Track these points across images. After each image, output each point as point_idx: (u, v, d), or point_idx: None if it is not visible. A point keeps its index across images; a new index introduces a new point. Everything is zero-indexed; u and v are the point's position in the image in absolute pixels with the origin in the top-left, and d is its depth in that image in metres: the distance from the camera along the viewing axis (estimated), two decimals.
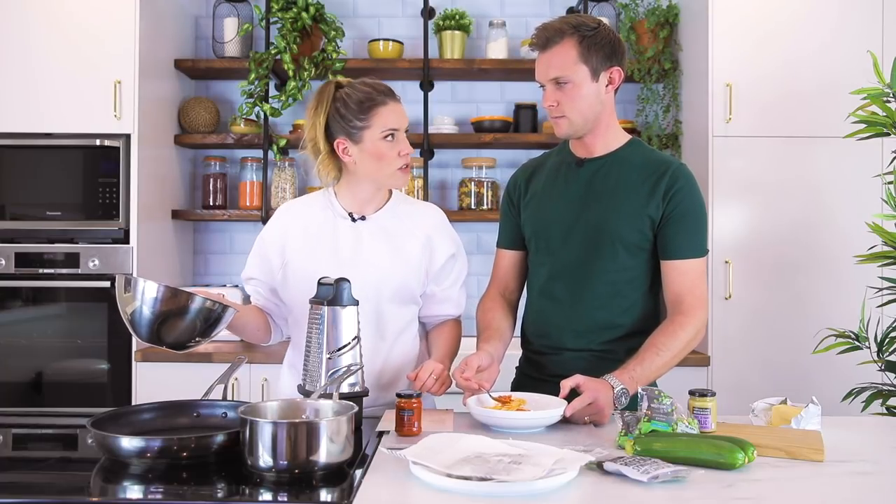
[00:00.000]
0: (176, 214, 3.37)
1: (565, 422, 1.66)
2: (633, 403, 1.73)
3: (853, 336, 2.52)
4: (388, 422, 1.66)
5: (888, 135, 2.47)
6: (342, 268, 1.82)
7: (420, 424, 1.60)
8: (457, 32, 3.43)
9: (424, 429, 1.61)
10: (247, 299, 2.07)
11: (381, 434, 1.61)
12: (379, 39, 3.47)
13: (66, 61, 3.00)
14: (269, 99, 3.38)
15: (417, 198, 3.39)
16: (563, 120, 1.86)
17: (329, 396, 1.51)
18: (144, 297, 1.59)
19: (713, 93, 2.97)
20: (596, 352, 1.89)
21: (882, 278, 2.63)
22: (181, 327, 1.62)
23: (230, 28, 3.46)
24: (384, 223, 1.93)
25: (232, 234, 3.63)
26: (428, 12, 3.46)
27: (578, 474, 1.30)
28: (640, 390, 1.58)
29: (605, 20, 1.92)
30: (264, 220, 3.26)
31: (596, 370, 1.73)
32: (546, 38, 1.84)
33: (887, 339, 2.49)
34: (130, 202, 3.02)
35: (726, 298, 2.95)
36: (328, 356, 1.67)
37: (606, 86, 1.86)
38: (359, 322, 1.71)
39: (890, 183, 2.53)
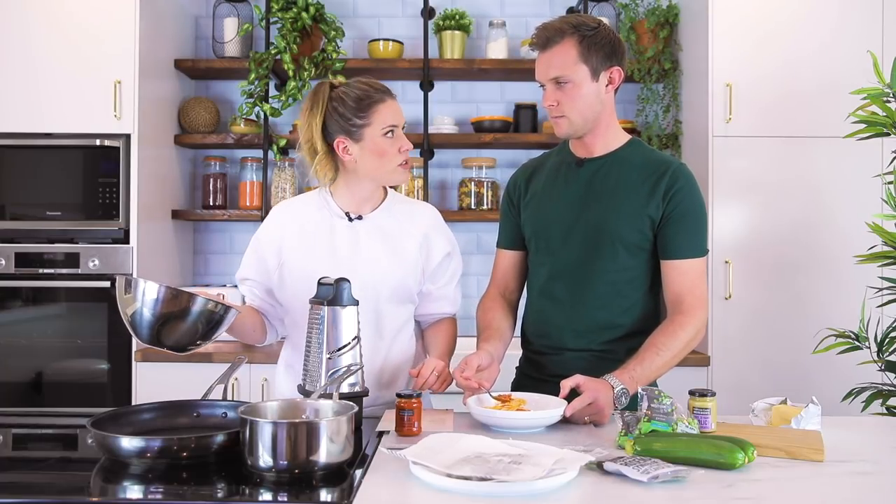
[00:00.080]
0: (176, 214, 3.37)
1: (565, 422, 1.66)
2: (633, 403, 1.73)
3: (853, 336, 2.52)
4: (388, 422, 1.66)
5: (888, 135, 2.48)
6: (340, 267, 1.82)
7: (420, 424, 1.60)
8: (457, 32, 3.43)
9: (424, 429, 1.61)
10: (243, 300, 2.06)
11: (381, 434, 1.61)
12: (379, 39, 3.47)
13: (67, 61, 3.00)
14: (269, 99, 3.38)
15: (417, 198, 3.39)
16: (563, 120, 1.86)
17: (329, 396, 1.51)
18: (145, 299, 1.57)
19: (713, 93, 2.97)
20: (596, 352, 1.89)
21: (882, 278, 2.63)
22: (183, 329, 1.60)
23: (230, 28, 3.46)
24: (381, 222, 1.93)
25: (232, 234, 3.63)
26: (428, 12, 3.46)
27: (578, 474, 1.30)
28: (640, 390, 1.58)
29: (605, 20, 1.92)
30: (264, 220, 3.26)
31: (596, 370, 1.73)
32: (546, 37, 1.84)
33: (887, 339, 2.49)
34: (130, 202, 3.02)
35: (726, 298, 2.95)
36: (328, 356, 1.67)
37: (606, 85, 1.86)
38: (359, 322, 1.71)
39: (890, 183, 2.53)
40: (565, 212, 1.91)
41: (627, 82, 3.07)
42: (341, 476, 1.35)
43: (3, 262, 3.00)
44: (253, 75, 3.30)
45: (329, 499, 1.28)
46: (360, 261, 1.88)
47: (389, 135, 1.85)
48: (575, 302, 1.90)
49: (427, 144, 3.40)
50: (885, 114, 2.44)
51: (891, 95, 2.44)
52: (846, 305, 2.79)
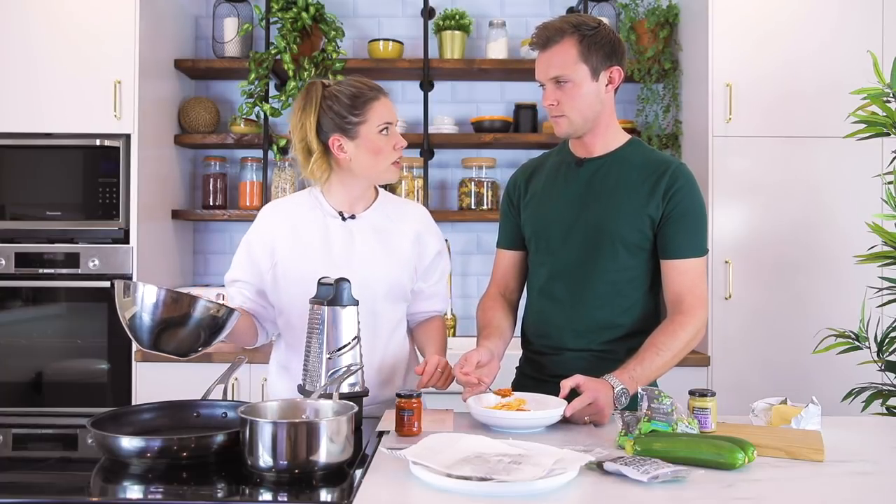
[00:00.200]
0: (176, 214, 3.37)
1: (565, 422, 1.66)
2: (633, 403, 1.73)
3: (853, 336, 2.52)
4: (388, 422, 1.66)
5: (888, 135, 2.48)
6: (335, 267, 1.82)
7: (420, 424, 1.60)
8: (457, 32, 3.43)
9: (424, 429, 1.61)
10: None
11: (381, 434, 1.61)
12: (379, 39, 3.47)
13: (67, 61, 3.00)
14: (269, 99, 3.38)
15: (417, 198, 3.39)
16: (562, 119, 1.86)
17: (329, 396, 1.51)
18: (144, 303, 1.53)
19: (713, 93, 2.97)
20: (596, 352, 1.89)
21: (882, 278, 2.63)
22: (184, 334, 1.57)
23: (230, 28, 3.46)
24: (374, 221, 1.93)
25: (232, 234, 3.62)
26: (428, 12, 3.46)
27: (578, 474, 1.30)
28: (640, 390, 1.58)
29: (605, 20, 1.92)
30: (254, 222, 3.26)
31: (596, 370, 1.73)
32: (546, 37, 1.84)
33: (887, 339, 2.49)
34: (130, 202, 3.02)
35: (726, 298, 2.95)
36: (328, 356, 1.67)
37: (606, 85, 1.86)
38: (359, 322, 1.71)
39: (890, 183, 2.53)
40: (565, 211, 1.91)
41: (627, 82, 3.07)
42: (341, 476, 1.35)
43: (3, 262, 3.00)
44: (253, 75, 3.30)
45: (329, 499, 1.28)
46: (355, 260, 1.88)
47: (384, 132, 1.85)
48: (575, 302, 1.90)
49: (427, 144, 3.40)
50: (885, 114, 2.44)
51: (891, 95, 2.44)
52: (846, 305, 2.79)
